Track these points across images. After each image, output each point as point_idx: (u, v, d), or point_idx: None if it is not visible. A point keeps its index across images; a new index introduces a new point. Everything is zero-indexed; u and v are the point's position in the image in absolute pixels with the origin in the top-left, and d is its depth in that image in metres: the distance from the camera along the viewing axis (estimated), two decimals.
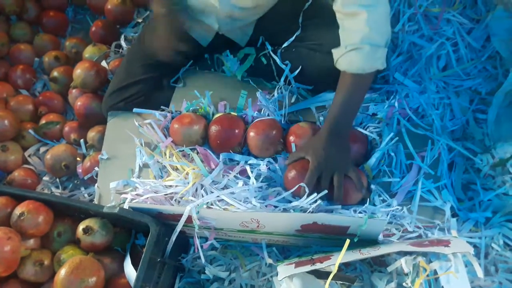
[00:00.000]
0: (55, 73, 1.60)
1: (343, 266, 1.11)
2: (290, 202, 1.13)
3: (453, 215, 1.17)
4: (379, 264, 1.08)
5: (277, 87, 1.33)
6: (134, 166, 1.25)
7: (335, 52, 1.14)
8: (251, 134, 1.22)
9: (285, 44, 1.33)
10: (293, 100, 1.33)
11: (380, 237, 1.07)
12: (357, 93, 1.13)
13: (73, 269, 1.02)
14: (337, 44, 1.31)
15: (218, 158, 1.21)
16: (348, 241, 0.90)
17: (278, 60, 1.34)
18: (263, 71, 1.38)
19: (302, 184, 1.10)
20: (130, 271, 1.06)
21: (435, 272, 0.89)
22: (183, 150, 1.24)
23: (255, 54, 1.38)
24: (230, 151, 1.23)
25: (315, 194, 1.11)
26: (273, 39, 1.36)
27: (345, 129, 1.15)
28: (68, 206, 1.16)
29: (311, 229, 1.05)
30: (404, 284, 0.94)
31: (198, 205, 1.05)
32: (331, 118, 1.13)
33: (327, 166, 1.10)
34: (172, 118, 1.30)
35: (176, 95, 1.36)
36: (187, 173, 1.18)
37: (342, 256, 0.88)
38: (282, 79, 1.33)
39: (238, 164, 1.21)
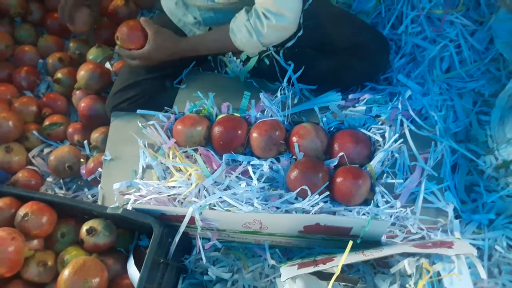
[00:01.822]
0: (59, 75, 1.60)
1: (346, 268, 1.11)
2: (293, 203, 1.14)
3: (456, 217, 1.17)
4: (382, 265, 1.08)
5: (280, 87, 1.33)
6: (138, 167, 1.25)
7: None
8: (254, 135, 1.23)
9: (287, 45, 1.33)
10: (296, 101, 1.33)
11: (383, 239, 1.07)
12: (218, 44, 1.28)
13: (77, 270, 1.02)
14: (339, 44, 1.31)
15: (221, 159, 1.22)
16: (351, 242, 0.90)
17: (281, 61, 1.34)
18: (266, 72, 1.39)
19: (304, 186, 1.11)
20: (133, 272, 1.06)
21: (438, 274, 0.89)
22: (186, 151, 1.24)
23: (258, 55, 1.38)
24: (233, 152, 1.23)
25: (317, 196, 1.12)
26: None
27: (190, 54, 1.33)
28: (71, 207, 1.16)
29: (314, 230, 1.05)
30: (407, 285, 0.94)
31: (201, 206, 1.05)
32: (193, 41, 1.31)
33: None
34: (176, 119, 1.30)
35: (179, 96, 1.36)
36: (190, 174, 1.18)
37: (345, 258, 0.88)
38: (285, 79, 1.33)
39: (241, 165, 1.21)
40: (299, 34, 1.31)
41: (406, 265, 0.92)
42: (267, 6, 1.15)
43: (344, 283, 0.96)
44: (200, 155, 1.22)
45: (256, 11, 1.18)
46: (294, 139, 1.22)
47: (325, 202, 1.15)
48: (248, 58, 1.39)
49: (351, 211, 1.14)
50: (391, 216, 1.13)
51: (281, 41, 1.25)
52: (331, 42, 1.33)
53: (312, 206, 1.12)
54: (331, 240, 1.09)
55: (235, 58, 1.40)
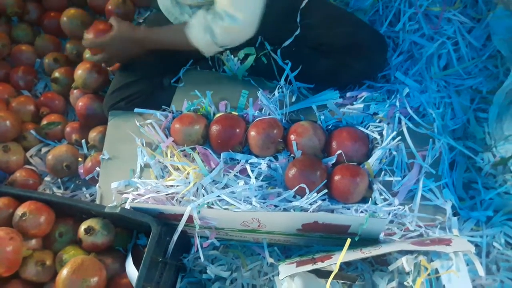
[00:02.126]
0: (56, 74, 1.60)
1: (344, 265, 1.11)
2: (291, 201, 1.14)
3: (454, 214, 1.17)
4: (381, 263, 1.08)
5: (278, 86, 1.33)
6: (135, 166, 1.25)
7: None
8: (252, 133, 1.22)
9: (285, 44, 1.33)
10: (294, 99, 1.33)
11: (382, 236, 1.07)
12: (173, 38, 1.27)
13: (75, 269, 1.02)
14: (336, 43, 1.31)
15: (219, 157, 1.22)
16: (349, 240, 0.90)
17: (278, 60, 1.34)
18: (264, 71, 1.39)
19: (303, 184, 1.11)
20: (132, 271, 1.06)
21: (437, 271, 0.89)
22: (184, 150, 1.24)
23: (256, 53, 1.38)
24: (231, 150, 1.23)
25: (315, 194, 1.12)
26: (272, 39, 1.36)
27: (149, 46, 1.32)
28: (69, 206, 1.16)
29: (312, 228, 1.05)
30: (405, 283, 0.94)
31: (199, 204, 1.05)
32: (151, 31, 1.31)
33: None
34: (173, 118, 1.30)
35: (177, 95, 1.36)
36: (188, 173, 1.18)
37: (344, 255, 0.88)
38: (283, 78, 1.33)
39: (239, 163, 1.21)
40: (296, 33, 1.31)
41: (404, 262, 0.92)
42: (224, 6, 1.15)
43: (343, 281, 0.96)
44: (198, 153, 1.22)
45: (214, 10, 1.18)
46: (292, 137, 1.22)
47: (323, 200, 1.15)
48: (246, 57, 1.39)
49: (349, 209, 1.14)
50: (389, 214, 1.13)
51: (235, 45, 1.24)
52: (328, 41, 1.32)
53: (310, 204, 1.12)
54: (329, 238, 1.10)
55: (232, 56, 1.40)
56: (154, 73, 1.38)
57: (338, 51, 1.34)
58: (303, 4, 1.31)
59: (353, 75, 1.37)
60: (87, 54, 1.61)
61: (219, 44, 1.22)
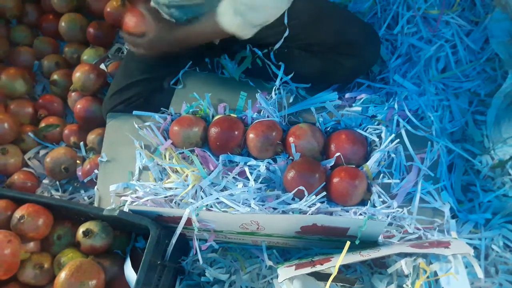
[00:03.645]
0: (55, 76, 1.60)
1: (343, 268, 1.11)
2: (290, 204, 1.14)
3: (453, 217, 1.17)
4: (380, 265, 1.08)
5: (274, 88, 1.33)
6: (134, 168, 1.25)
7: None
8: (251, 135, 1.22)
9: (276, 46, 1.33)
10: (291, 100, 1.34)
11: (380, 239, 1.07)
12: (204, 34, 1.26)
13: (73, 272, 1.02)
14: (326, 42, 1.30)
15: (218, 160, 1.22)
16: (348, 243, 0.90)
17: (270, 64, 1.35)
18: (260, 73, 1.39)
19: (301, 187, 1.11)
20: (130, 274, 1.06)
21: (435, 274, 0.89)
22: (183, 152, 1.24)
23: (251, 56, 1.38)
24: (230, 152, 1.23)
25: (314, 196, 1.12)
26: (263, 41, 1.35)
27: (186, 44, 1.28)
28: (68, 209, 1.16)
29: (311, 231, 1.05)
30: (404, 285, 0.94)
31: (197, 207, 1.05)
32: (186, 32, 1.25)
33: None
34: (172, 120, 1.30)
35: (176, 97, 1.36)
36: (186, 175, 1.18)
37: (342, 258, 0.88)
38: (278, 80, 1.33)
39: (237, 165, 1.21)
40: (286, 34, 1.31)
41: (403, 265, 0.92)
42: None
43: (342, 284, 0.96)
44: (197, 156, 1.22)
45: None
46: (291, 139, 1.22)
47: (322, 202, 1.15)
48: (243, 60, 1.39)
49: (348, 211, 1.14)
50: (388, 216, 1.13)
51: (270, 21, 1.21)
52: (317, 41, 1.32)
53: (309, 206, 1.12)
54: (328, 240, 1.10)
55: (230, 59, 1.40)
56: (153, 75, 1.37)
57: (329, 50, 1.33)
58: (290, 3, 1.30)
59: (346, 73, 1.36)
60: (84, 56, 1.61)
61: (253, 24, 1.18)
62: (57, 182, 1.48)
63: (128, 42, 1.32)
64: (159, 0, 1.31)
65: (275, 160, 1.24)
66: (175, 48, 1.31)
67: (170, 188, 1.19)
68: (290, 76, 1.34)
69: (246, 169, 1.19)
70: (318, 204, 1.12)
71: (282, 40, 1.30)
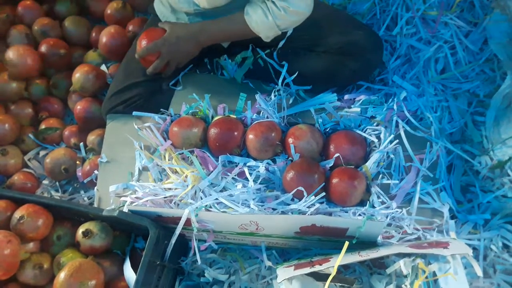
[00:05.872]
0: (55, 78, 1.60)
1: (342, 269, 1.12)
2: (289, 204, 1.14)
3: (452, 217, 1.18)
4: (378, 266, 1.08)
5: (274, 89, 1.33)
6: (134, 169, 1.25)
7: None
8: (250, 136, 1.23)
9: (279, 45, 1.33)
10: (291, 102, 1.34)
11: (379, 239, 1.07)
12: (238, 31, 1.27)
13: (73, 272, 1.02)
14: (331, 42, 1.31)
15: (218, 160, 1.22)
16: (347, 243, 0.90)
17: (274, 63, 1.35)
18: (261, 74, 1.39)
19: (301, 187, 1.11)
20: (130, 274, 1.06)
21: (434, 274, 0.89)
22: (183, 153, 1.24)
23: (253, 57, 1.38)
24: (229, 153, 1.23)
25: (313, 197, 1.12)
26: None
27: (204, 39, 1.29)
28: (67, 209, 1.16)
29: (310, 231, 1.05)
30: (403, 286, 0.94)
31: (197, 207, 1.06)
32: (206, 26, 1.27)
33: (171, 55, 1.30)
34: (172, 121, 1.30)
35: (176, 98, 1.36)
36: (186, 176, 1.18)
37: (341, 258, 0.89)
38: (280, 80, 1.33)
39: (237, 166, 1.21)
40: (289, 34, 1.32)
41: (402, 265, 0.92)
42: None
43: (340, 284, 0.96)
44: (196, 156, 1.22)
45: None
46: (290, 140, 1.22)
47: (321, 203, 1.15)
48: (244, 60, 1.39)
49: (347, 212, 1.15)
50: (387, 217, 1.13)
51: (296, 25, 1.24)
52: (323, 42, 1.33)
53: (308, 207, 1.12)
54: (327, 241, 1.10)
55: (230, 60, 1.40)
56: (152, 76, 1.38)
57: (333, 52, 1.34)
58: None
59: (349, 75, 1.37)
60: (88, 59, 1.61)
61: (282, 27, 1.22)
62: (57, 183, 1.48)
63: (142, 54, 1.31)
64: (175, 7, 1.30)
65: (274, 161, 1.24)
66: (195, 49, 1.31)
67: (170, 189, 1.19)
68: (292, 78, 1.34)
69: (246, 169, 1.19)
70: (317, 205, 1.12)
71: (285, 40, 1.31)
